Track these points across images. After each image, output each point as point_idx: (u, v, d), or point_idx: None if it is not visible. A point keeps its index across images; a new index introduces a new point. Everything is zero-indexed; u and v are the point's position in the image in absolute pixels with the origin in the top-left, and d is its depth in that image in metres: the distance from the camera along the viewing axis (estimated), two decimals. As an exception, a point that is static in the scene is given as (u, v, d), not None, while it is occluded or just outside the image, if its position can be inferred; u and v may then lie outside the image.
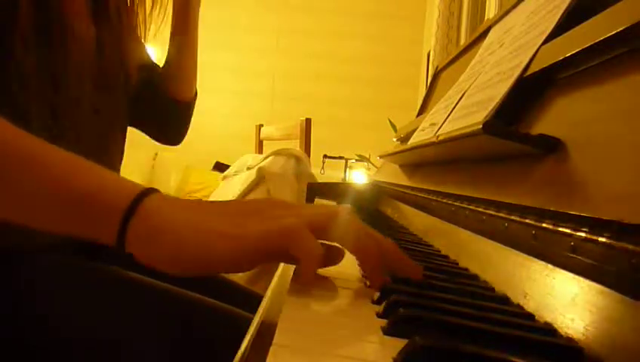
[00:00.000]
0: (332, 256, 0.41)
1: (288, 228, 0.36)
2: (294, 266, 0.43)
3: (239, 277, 1.55)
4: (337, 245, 0.40)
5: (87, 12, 0.68)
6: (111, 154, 0.75)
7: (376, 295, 0.37)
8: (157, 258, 0.37)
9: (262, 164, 1.95)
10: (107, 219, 0.37)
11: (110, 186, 0.39)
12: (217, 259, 0.36)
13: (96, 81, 0.69)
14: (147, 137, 0.93)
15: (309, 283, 0.37)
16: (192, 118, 0.94)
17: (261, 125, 2.73)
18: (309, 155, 2.12)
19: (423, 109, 1.29)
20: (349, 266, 0.49)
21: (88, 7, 0.68)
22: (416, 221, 0.78)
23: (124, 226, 0.37)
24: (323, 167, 3.24)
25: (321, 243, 0.37)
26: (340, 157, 3.26)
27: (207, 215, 0.38)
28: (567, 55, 0.43)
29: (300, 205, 0.41)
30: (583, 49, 0.40)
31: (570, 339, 0.30)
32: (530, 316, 0.35)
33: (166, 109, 0.89)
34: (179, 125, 0.93)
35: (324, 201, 1.16)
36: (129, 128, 0.81)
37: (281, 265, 0.46)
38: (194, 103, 0.92)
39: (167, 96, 0.87)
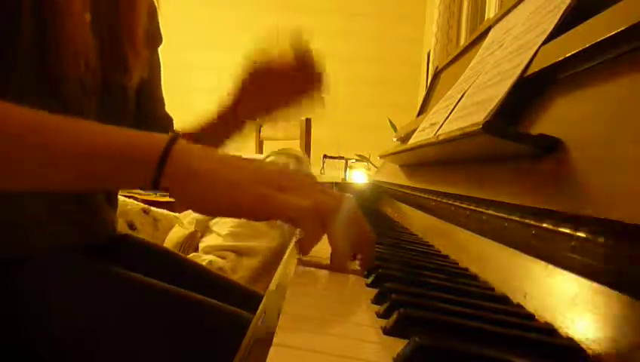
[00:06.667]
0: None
1: (302, 208, 0.43)
2: (293, 266, 0.44)
3: (239, 277, 1.55)
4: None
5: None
6: None
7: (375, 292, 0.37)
8: (187, 197, 0.45)
9: (262, 164, 1.94)
10: (144, 165, 0.44)
11: (142, 138, 0.46)
12: (240, 206, 0.44)
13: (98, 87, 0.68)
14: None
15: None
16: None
17: (261, 125, 2.72)
18: (309, 155, 2.12)
19: (423, 109, 1.29)
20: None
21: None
22: (416, 221, 0.78)
23: (159, 170, 0.44)
24: (323, 167, 3.24)
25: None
26: (340, 158, 3.26)
27: (230, 168, 0.45)
28: (567, 55, 0.43)
29: (305, 184, 0.46)
30: (583, 49, 0.40)
31: (570, 339, 0.30)
32: (530, 316, 0.35)
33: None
34: None
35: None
36: None
37: (281, 265, 0.46)
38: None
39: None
